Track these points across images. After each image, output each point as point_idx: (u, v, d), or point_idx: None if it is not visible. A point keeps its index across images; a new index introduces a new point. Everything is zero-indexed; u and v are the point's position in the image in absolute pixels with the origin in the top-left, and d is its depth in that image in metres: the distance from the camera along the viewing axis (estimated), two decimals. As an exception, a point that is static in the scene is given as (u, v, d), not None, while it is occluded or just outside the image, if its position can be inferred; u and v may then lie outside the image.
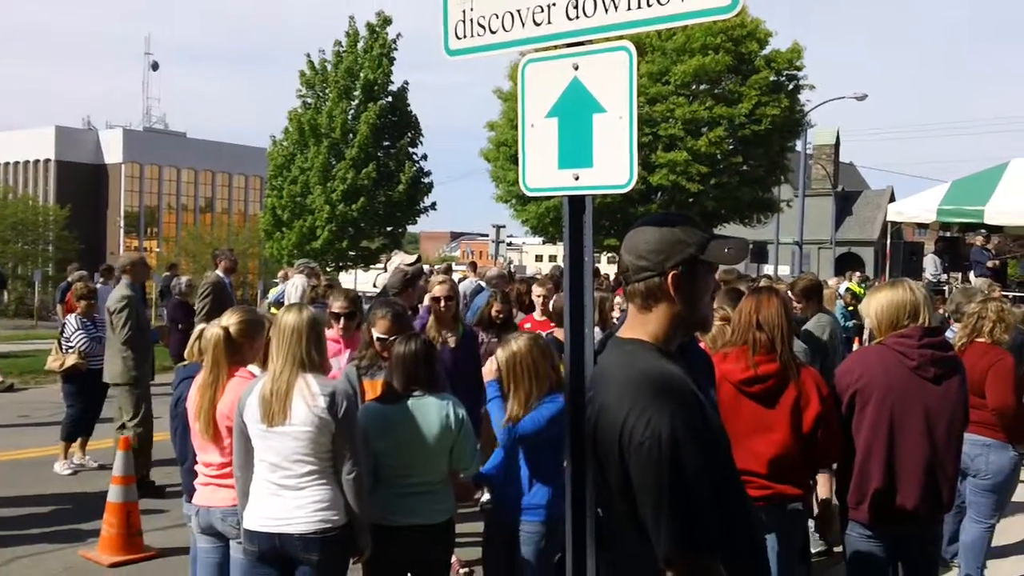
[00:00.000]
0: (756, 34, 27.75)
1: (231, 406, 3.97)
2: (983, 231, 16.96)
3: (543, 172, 2.81)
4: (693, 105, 26.86)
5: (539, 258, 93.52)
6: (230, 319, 4.25)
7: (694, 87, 27.57)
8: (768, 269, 31.63)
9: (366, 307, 6.12)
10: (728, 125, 26.94)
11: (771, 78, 27.72)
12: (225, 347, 4.13)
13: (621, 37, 2.67)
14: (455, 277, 13.91)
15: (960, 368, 4.08)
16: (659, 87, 27.14)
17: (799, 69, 28.77)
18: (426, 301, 6.69)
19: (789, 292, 7.87)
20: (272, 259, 32.87)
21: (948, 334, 6.52)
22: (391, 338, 4.60)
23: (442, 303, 6.23)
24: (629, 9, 2.61)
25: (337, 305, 5.80)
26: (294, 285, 13.13)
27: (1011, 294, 13.98)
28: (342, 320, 5.73)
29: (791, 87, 28.73)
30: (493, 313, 7.17)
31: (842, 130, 49.42)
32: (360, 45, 29.57)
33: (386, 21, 29.61)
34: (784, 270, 33.94)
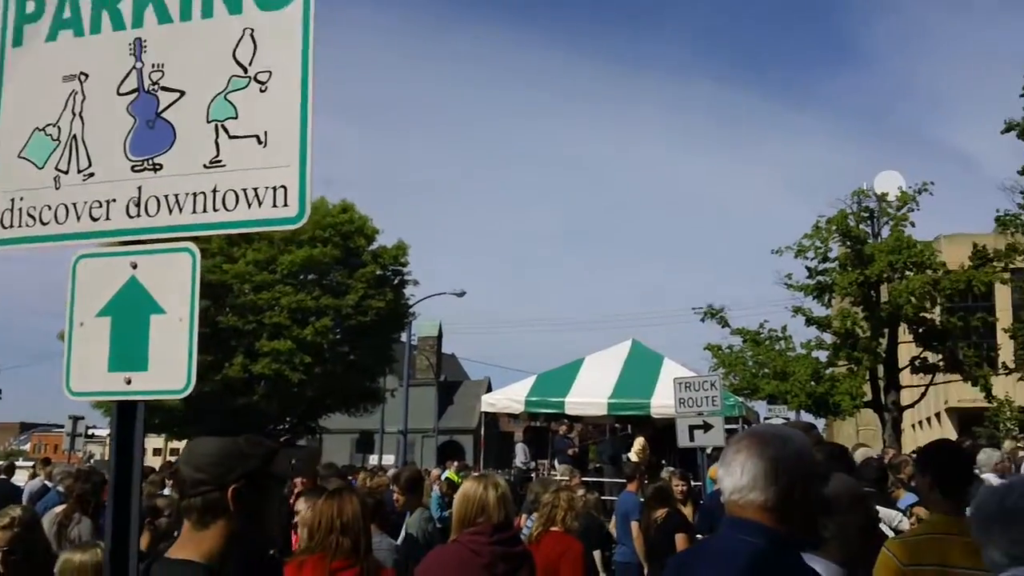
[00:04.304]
0: (364, 230, 29.00)
1: None
2: (566, 420, 18.51)
3: (91, 374, 2.58)
4: (300, 295, 27.10)
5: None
6: None
7: (302, 277, 27.92)
8: (373, 459, 31.90)
9: None
10: (335, 315, 27.41)
11: (377, 272, 28.90)
12: None
13: (186, 238, 2.59)
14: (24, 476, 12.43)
15: (528, 561, 4.24)
16: (265, 275, 27.14)
17: (404, 265, 30.34)
18: None
19: (393, 485, 7.92)
20: None
21: (529, 523, 6.90)
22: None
23: None
24: (194, 212, 2.55)
25: None
26: None
27: (590, 479, 15.21)
28: None
29: (396, 281, 30.12)
30: None
31: (444, 323, 52.39)
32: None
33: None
34: (389, 459, 34.38)
